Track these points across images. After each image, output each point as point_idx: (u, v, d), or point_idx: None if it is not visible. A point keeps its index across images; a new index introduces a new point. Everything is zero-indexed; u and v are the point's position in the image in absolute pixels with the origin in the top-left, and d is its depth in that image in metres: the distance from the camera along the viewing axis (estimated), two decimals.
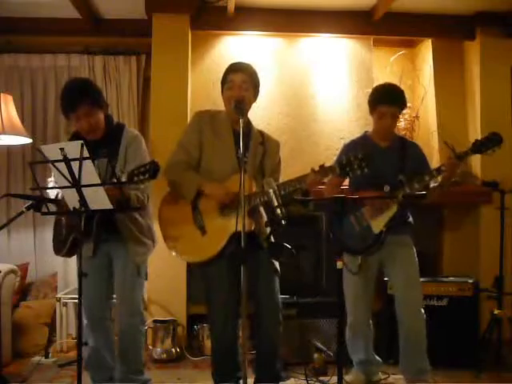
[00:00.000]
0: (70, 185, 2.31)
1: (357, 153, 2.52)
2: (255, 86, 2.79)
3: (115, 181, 2.43)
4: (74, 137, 2.82)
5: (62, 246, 2.83)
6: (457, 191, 3.99)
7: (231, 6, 4.08)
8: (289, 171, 2.97)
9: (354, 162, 2.50)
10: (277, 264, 2.78)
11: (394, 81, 3.99)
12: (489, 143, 2.87)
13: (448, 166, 2.93)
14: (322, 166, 2.63)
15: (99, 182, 2.34)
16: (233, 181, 2.62)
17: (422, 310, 3.08)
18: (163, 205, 2.84)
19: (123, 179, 2.44)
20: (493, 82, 4.33)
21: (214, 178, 2.73)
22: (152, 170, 2.38)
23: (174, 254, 2.78)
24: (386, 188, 2.98)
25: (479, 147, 2.89)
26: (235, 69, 2.77)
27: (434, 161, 4.16)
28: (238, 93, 2.70)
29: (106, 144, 2.73)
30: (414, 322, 3.06)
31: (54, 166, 2.30)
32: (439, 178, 3.01)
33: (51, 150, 2.30)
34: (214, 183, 2.70)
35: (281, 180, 2.82)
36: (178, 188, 2.78)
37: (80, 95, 2.69)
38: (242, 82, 2.72)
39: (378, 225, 3.05)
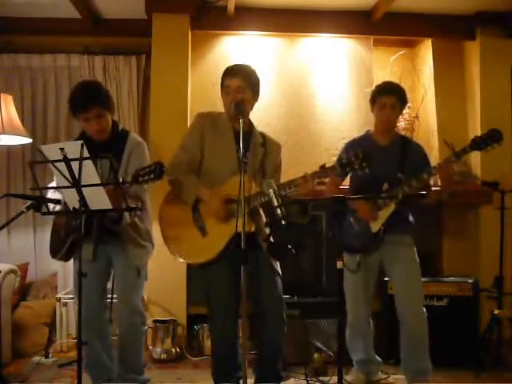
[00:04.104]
0: (69, 185, 2.31)
1: (357, 151, 2.53)
2: (253, 86, 2.78)
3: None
4: (81, 136, 2.85)
5: (61, 247, 2.82)
6: (457, 191, 3.99)
7: (231, 6, 4.08)
8: (288, 171, 2.97)
9: (355, 162, 2.51)
10: (277, 265, 2.78)
11: (394, 81, 3.97)
12: (488, 140, 2.83)
13: (443, 164, 2.95)
14: (322, 167, 2.63)
15: (99, 181, 2.34)
16: (232, 182, 2.62)
17: (424, 309, 3.08)
18: (164, 205, 2.84)
19: (128, 180, 2.47)
20: (493, 81, 4.32)
21: (215, 178, 2.73)
22: (158, 170, 2.42)
23: (174, 255, 2.77)
24: (385, 186, 2.99)
25: (478, 144, 2.85)
26: (230, 73, 2.77)
27: (434, 161, 4.14)
28: (233, 97, 2.71)
29: (110, 148, 2.73)
30: (415, 321, 3.06)
31: (54, 166, 2.30)
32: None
33: (51, 150, 2.30)
34: (211, 193, 2.69)
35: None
36: (178, 190, 2.78)
37: (94, 97, 2.73)
38: (237, 87, 2.72)
39: (375, 224, 3.05)
